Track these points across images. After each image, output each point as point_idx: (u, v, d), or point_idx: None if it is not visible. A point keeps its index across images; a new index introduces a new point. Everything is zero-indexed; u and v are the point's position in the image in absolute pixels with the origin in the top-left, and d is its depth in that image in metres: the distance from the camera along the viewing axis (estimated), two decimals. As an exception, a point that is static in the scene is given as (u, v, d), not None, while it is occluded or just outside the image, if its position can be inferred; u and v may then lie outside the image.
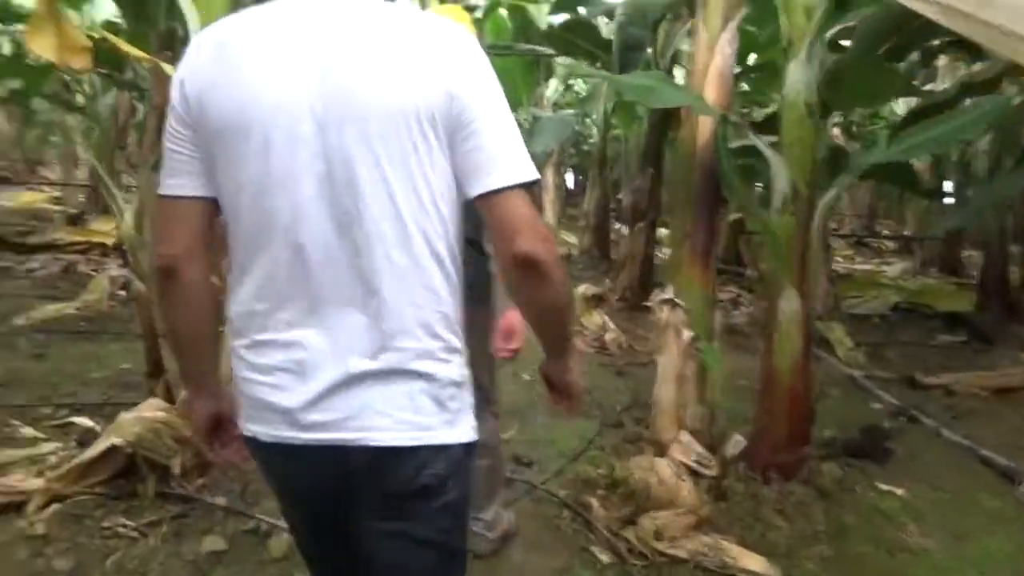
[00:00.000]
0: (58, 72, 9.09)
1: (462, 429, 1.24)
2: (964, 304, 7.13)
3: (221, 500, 2.81)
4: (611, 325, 5.73)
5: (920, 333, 6.48)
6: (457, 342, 1.23)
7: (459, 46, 1.17)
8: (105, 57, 7.56)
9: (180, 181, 1.20)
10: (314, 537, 1.35)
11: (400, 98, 1.13)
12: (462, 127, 1.15)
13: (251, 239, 1.18)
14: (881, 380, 4.94)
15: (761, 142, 3.09)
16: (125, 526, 2.61)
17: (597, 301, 6.10)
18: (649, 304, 3.52)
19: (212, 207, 1.22)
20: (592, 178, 9.62)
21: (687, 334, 3.29)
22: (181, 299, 1.24)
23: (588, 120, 11.51)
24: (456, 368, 1.23)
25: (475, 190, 1.16)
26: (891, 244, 13.59)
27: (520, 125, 1.40)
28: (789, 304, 3.13)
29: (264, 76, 1.14)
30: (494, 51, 9.22)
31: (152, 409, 2.86)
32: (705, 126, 3.21)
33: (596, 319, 5.74)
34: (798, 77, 2.93)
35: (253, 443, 1.25)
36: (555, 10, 6.75)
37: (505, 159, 1.16)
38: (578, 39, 5.62)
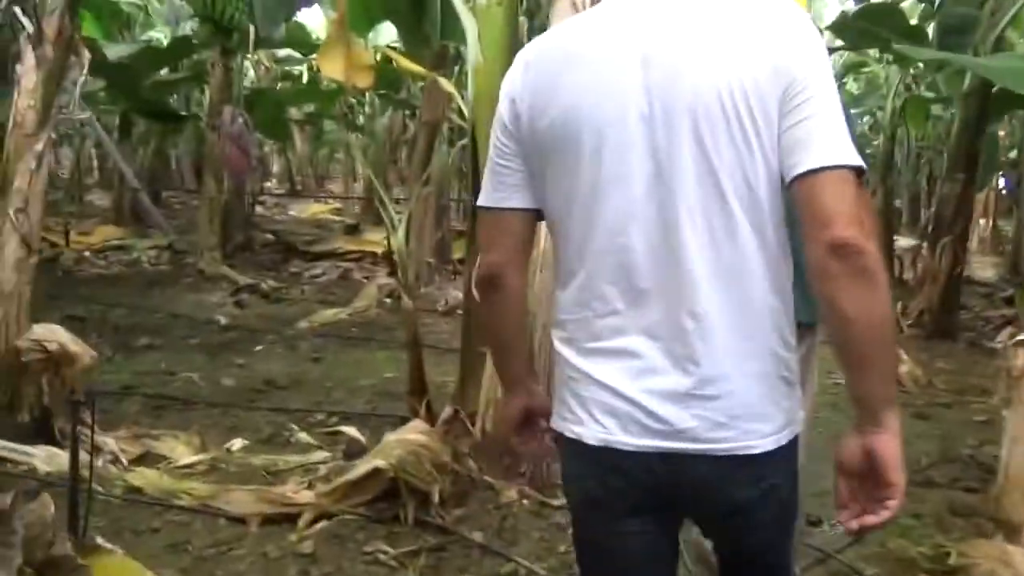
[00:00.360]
0: (345, 95, 10.01)
1: (797, 424, 1.18)
2: None
3: (478, 536, 2.64)
4: (904, 356, 4.92)
5: None
6: (792, 337, 1.17)
7: (787, 20, 1.12)
8: (384, 79, 8.18)
9: (506, 194, 1.24)
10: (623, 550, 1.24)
11: (725, 78, 1.08)
12: (787, 104, 1.08)
13: (581, 245, 1.18)
14: None
15: None
16: (385, 553, 2.53)
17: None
18: (997, 343, 2.83)
19: (534, 218, 1.25)
20: (873, 184, 8.59)
21: (1052, 388, 2.57)
22: (503, 306, 1.29)
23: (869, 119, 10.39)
24: (794, 362, 1.18)
25: (791, 171, 1.08)
26: None
27: None
28: None
29: (587, 82, 1.15)
30: None
31: (415, 432, 2.78)
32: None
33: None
34: None
35: (575, 445, 1.20)
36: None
37: (827, 139, 1.07)
38: (880, 27, 4.87)
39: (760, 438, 1.12)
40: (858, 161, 1.07)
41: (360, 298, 6.49)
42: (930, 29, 5.39)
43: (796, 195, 1.08)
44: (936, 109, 8.89)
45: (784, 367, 1.15)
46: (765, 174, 1.10)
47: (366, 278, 7.49)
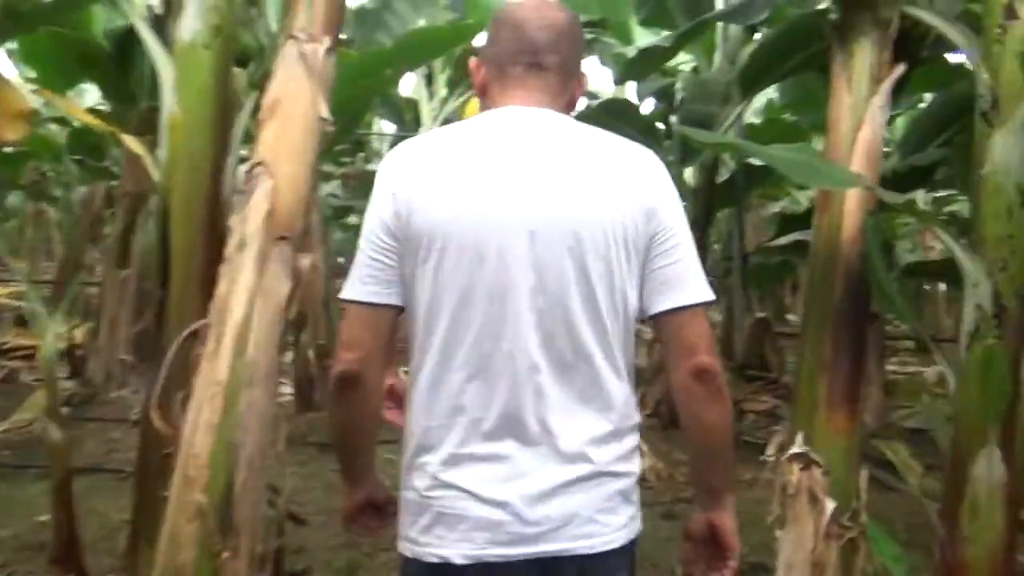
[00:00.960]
0: (34, 161, 8.42)
1: (637, 522, 1.31)
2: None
3: None
4: (644, 448, 4.77)
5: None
6: (636, 443, 1.29)
7: (652, 166, 1.28)
8: (83, 143, 6.92)
9: (377, 289, 1.25)
10: None
11: (607, 215, 1.20)
12: (657, 244, 1.25)
13: (449, 349, 1.21)
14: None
15: (950, 238, 2.22)
16: None
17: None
18: (767, 456, 2.60)
19: (398, 315, 1.26)
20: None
21: (829, 505, 2.35)
22: (359, 405, 1.29)
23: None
24: (637, 464, 1.29)
25: (663, 305, 1.25)
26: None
27: None
28: (989, 471, 2.19)
29: (476, 192, 1.20)
30: None
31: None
32: (852, 216, 2.35)
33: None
34: (1006, 152, 2.08)
35: (441, 569, 1.20)
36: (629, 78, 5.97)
37: (694, 278, 1.27)
38: (619, 122, 4.89)
39: (614, 531, 1.24)
40: (712, 296, 1.27)
41: (24, 408, 5.11)
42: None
43: (664, 326, 1.26)
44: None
45: (631, 466, 1.29)
46: (633, 303, 1.25)
47: (38, 381, 6.03)
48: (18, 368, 6.35)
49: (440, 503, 1.20)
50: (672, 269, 1.22)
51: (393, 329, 1.26)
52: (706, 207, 5.37)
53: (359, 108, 5.25)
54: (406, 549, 1.25)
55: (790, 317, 10.60)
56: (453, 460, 1.20)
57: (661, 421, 5.54)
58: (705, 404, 1.24)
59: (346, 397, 1.26)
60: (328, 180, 8.82)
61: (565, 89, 1.31)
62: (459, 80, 6.68)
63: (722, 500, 1.32)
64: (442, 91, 7.61)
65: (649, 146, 1.32)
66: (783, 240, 5.32)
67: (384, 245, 1.23)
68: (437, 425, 1.21)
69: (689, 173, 5.99)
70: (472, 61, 1.36)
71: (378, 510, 1.41)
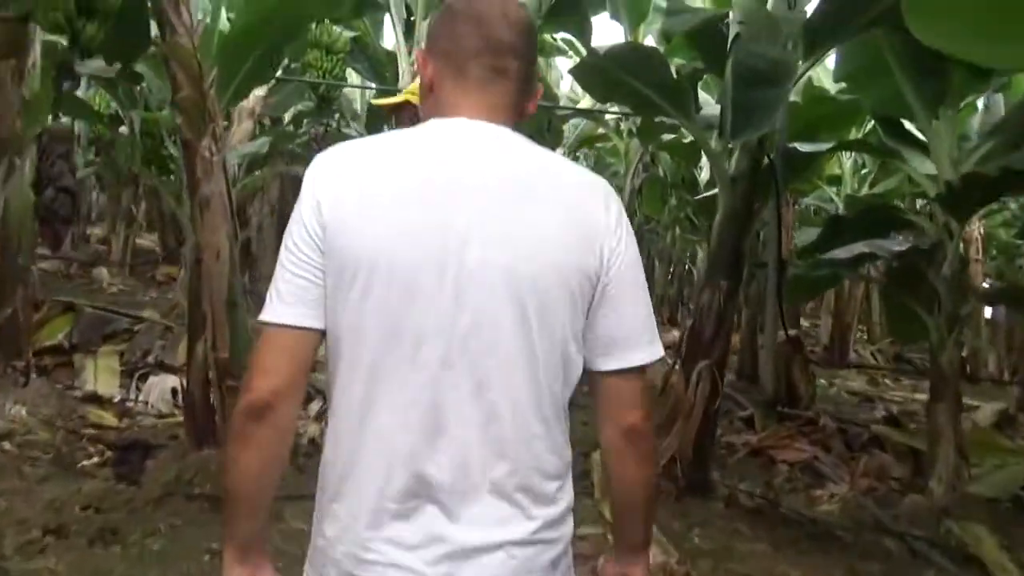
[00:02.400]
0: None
1: None
2: None
3: None
4: (660, 537, 3.54)
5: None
6: (570, 501, 1.21)
7: (610, 206, 1.17)
8: None
9: (296, 310, 1.12)
10: None
11: (553, 257, 1.11)
12: (607, 294, 1.15)
13: (371, 387, 1.11)
14: None
15: None
16: None
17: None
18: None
19: (319, 339, 1.14)
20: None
21: None
22: (266, 444, 1.14)
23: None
24: (570, 527, 1.21)
25: (610, 364, 1.18)
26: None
27: None
28: None
29: (411, 217, 1.10)
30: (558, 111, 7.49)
31: None
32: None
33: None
34: None
35: None
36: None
37: (648, 336, 1.19)
38: (634, 78, 3.62)
39: None
40: (660, 353, 1.20)
41: None
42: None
43: (600, 380, 1.20)
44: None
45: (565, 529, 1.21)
46: (574, 352, 1.16)
47: None
48: None
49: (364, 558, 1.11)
50: (620, 324, 1.17)
51: (313, 356, 1.14)
52: (747, 200, 4.10)
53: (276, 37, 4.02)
54: None
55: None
56: (373, 516, 1.11)
57: (676, 485, 4.28)
58: (631, 464, 1.23)
59: (251, 433, 1.12)
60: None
61: (521, 101, 1.21)
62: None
63: (639, 555, 1.31)
64: (422, 43, 6.35)
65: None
66: (841, 251, 4.10)
67: (307, 260, 1.11)
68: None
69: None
70: (418, 53, 1.26)
71: None
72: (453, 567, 1.09)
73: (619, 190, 7.26)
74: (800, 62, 3.53)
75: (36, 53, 4.89)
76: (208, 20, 4.71)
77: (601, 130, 9.02)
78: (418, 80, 1.28)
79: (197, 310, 3.91)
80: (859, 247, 4.08)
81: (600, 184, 1.19)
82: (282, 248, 1.13)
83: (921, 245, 4.42)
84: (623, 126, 7.01)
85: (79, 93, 7.90)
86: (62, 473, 3.79)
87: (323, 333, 1.13)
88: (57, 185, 3.80)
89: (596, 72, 4.02)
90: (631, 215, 7.20)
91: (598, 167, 10.18)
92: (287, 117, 9.17)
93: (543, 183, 1.13)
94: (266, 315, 1.12)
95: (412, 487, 1.09)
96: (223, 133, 3.75)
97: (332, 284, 1.10)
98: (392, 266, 1.07)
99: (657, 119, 4.78)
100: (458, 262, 1.07)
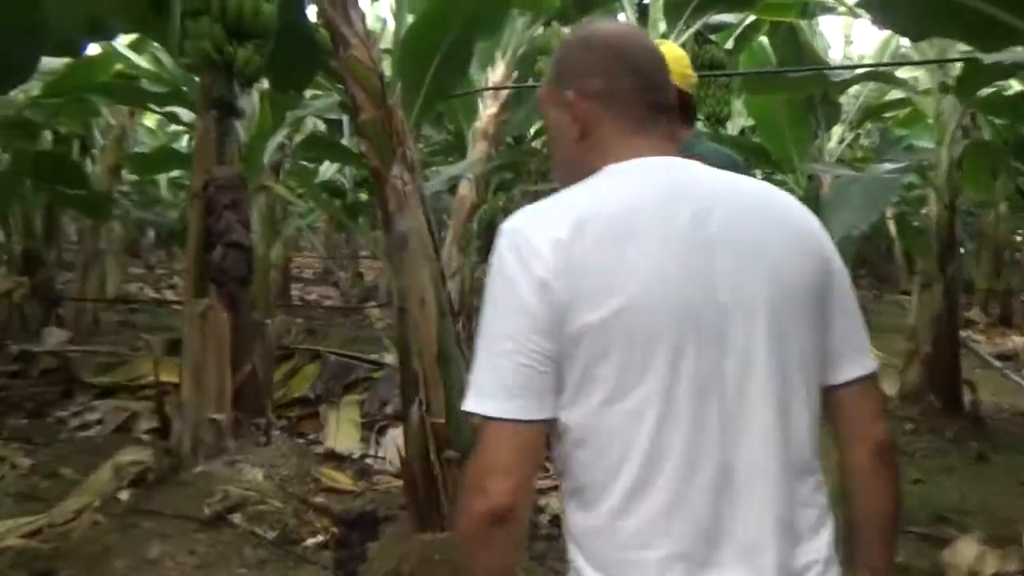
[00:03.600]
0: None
1: None
2: None
3: None
4: None
5: None
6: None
7: (816, 220, 1.17)
8: None
9: (527, 402, 1.05)
10: None
11: (792, 279, 1.09)
12: (835, 306, 1.14)
13: (644, 466, 1.03)
14: None
15: None
16: None
17: None
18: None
19: (547, 428, 1.08)
20: (926, 273, 5.98)
21: None
22: (509, 545, 1.09)
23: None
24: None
25: (850, 373, 1.15)
26: None
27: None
28: None
29: (657, 263, 1.03)
30: (761, 79, 6.44)
31: None
32: None
33: None
34: None
35: None
36: None
37: (865, 343, 1.17)
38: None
39: None
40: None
41: (82, 491, 3.84)
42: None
43: (840, 396, 1.15)
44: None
45: None
46: (820, 373, 1.13)
47: (150, 431, 4.86)
48: (140, 412, 5.22)
49: None
50: (854, 333, 1.15)
51: (544, 446, 1.07)
52: None
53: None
54: None
55: None
56: None
57: None
58: (884, 485, 1.17)
59: (492, 536, 1.05)
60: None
61: (678, 130, 1.20)
62: None
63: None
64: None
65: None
66: None
67: (538, 349, 1.03)
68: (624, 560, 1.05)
69: None
70: (571, 95, 1.16)
71: None
72: None
73: (928, 168, 5.64)
74: None
75: (253, 100, 4.76)
76: (392, 25, 4.19)
77: (895, 94, 7.35)
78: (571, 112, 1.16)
79: (407, 368, 3.34)
80: None
81: (796, 201, 1.17)
82: (493, 330, 1.05)
83: None
84: (931, 80, 5.41)
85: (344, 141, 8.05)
86: (281, 558, 3.40)
87: (552, 420, 1.06)
88: (225, 241, 3.42)
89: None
90: (954, 196, 5.59)
91: (885, 145, 8.34)
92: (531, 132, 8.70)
93: (758, 205, 1.12)
94: (492, 409, 1.04)
95: (700, 561, 1.06)
96: (415, 158, 3.12)
97: (579, 367, 1.03)
98: (644, 328, 1.01)
99: (991, 59, 3.37)
100: (716, 304, 1.04)
